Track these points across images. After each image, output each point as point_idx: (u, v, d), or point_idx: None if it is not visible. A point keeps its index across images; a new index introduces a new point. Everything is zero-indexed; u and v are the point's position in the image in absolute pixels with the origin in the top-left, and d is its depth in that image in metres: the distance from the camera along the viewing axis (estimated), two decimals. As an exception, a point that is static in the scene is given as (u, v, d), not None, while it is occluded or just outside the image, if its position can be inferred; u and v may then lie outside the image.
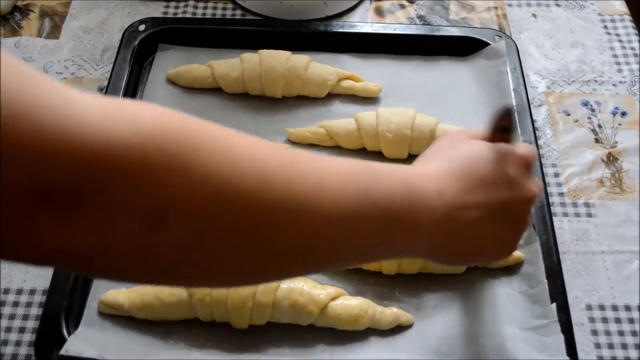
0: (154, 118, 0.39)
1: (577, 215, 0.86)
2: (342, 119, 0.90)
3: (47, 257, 0.38)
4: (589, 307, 0.78)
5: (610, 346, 0.75)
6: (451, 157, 0.57)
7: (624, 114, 0.96)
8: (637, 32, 1.07)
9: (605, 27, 1.08)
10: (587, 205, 0.87)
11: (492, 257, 0.64)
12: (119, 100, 0.41)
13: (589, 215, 0.86)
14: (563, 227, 0.84)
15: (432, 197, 0.52)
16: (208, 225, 0.40)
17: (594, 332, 0.76)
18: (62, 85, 0.36)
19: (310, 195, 0.43)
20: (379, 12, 1.09)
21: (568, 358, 0.69)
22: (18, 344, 0.74)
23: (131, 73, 0.94)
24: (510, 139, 0.60)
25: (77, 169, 0.34)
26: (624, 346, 0.75)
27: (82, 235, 0.36)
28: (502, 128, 0.60)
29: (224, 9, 1.09)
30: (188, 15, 1.07)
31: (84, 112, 0.35)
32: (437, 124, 0.88)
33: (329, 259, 0.49)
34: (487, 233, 0.57)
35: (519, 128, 0.87)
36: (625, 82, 1.00)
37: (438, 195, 0.52)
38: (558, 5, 1.12)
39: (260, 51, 0.94)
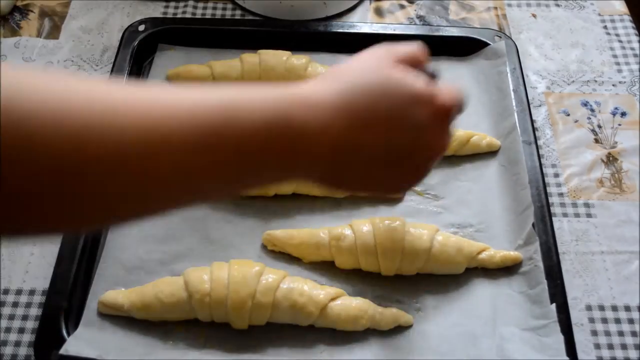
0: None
1: (577, 215, 0.86)
2: (341, 119, 0.90)
3: None
4: (589, 308, 0.78)
5: (610, 347, 0.75)
6: (355, 81, 0.49)
7: (623, 114, 0.96)
8: (637, 32, 1.07)
9: (605, 27, 1.08)
10: (586, 205, 0.87)
11: (379, 193, 0.60)
12: None
13: (589, 215, 0.86)
14: (563, 227, 0.84)
15: (313, 131, 0.46)
16: (44, 188, 0.37)
17: (594, 333, 0.76)
18: None
19: (141, 140, 0.39)
20: (379, 12, 1.09)
21: (568, 358, 0.69)
22: (17, 344, 0.74)
23: (131, 73, 0.94)
24: (434, 81, 0.55)
25: None
26: (624, 347, 0.75)
27: None
28: (430, 74, 0.55)
29: (224, 9, 1.09)
30: (188, 16, 1.07)
31: None
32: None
33: (172, 199, 0.45)
34: (377, 174, 0.52)
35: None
36: (625, 82, 1.00)
37: (322, 129, 0.46)
38: (558, 5, 1.12)
39: (260, 51, 0.94)
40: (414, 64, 0.55)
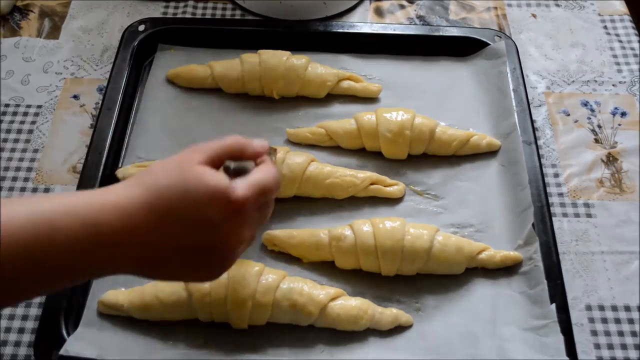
0: None
1: (577, 215, 0.86)
2: (341, 119, 0.90)
3: None
4: (589, 308, 0.78)
5: (610, 347, 0.75)
6: (157, 186, 0.53)
7: (623, 114, 0.96)
8: (637, 32, 1.07)
9: (605, 27, 1.08)
10: (586, 205, 0.87)
11: (195, 281, 0.65)
12: None
13: (589, 215, 0.86)
14: (563, 227, 0.84)
15: (121, 236, 0.51)
16: None
17: (594, 333, 0.76)
18: None
19: None
20: (379, 12, 1.09)
21: (568, 358, 0.69)
22: (17, 344, 0.74)
23: (130, 73, 0.94)
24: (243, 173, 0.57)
25: None
26: (624, 347, 0.75)
27: None
28: (235, 170, 0.57)
29: (224, 9, 1.09)
30: (188, 16, 1.07)
31: None
32: (437, 124, 0.88)
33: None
34: (188, 266, 0.56)
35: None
36: (625, 82, 1.00)
37: (128, 235, 0.51)
38: (558, 5, 1.12)
39: (260, 51, 0.94)
40: (234, 156, 0.58)
